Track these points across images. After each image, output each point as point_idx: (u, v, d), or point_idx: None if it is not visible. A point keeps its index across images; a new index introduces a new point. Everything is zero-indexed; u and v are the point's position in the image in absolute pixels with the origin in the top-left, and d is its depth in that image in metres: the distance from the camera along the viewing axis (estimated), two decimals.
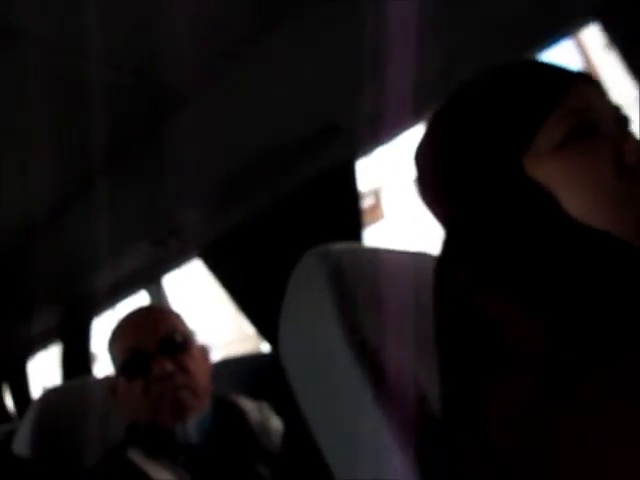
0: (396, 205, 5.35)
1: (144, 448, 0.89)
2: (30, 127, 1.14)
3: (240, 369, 1.41)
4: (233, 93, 1.30)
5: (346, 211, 1.46)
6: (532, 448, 0.39)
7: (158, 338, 0.94)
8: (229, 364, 1.40)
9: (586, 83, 0.51)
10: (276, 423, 1.03)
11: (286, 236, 1.54)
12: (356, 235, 1.45)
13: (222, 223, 1.63)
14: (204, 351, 1.02)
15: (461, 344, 0.48)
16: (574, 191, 0.47)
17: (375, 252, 0.70)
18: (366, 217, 1.52)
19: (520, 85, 0.51)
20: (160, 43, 1.07)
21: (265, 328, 1.65)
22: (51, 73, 1.02)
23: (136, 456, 0.87)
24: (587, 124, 0.48)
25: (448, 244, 0.54)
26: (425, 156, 0.57)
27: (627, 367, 0.37)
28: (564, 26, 1.11)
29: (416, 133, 1.40)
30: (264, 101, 1.28)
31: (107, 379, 1.06)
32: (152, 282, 1.96)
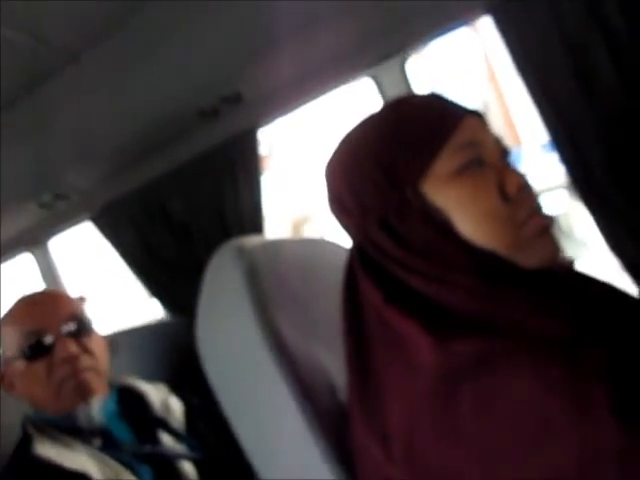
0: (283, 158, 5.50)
1: (51, 438, 0.87)
2: None
3: (141, 338, 1.39)
4: (129, 56, 1.24)
5: (247, 179, 1.46)
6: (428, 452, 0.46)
7: (60, 320, 0.92)
8: (128, 334, 1.38)
9: (475, 117, 0.58)
10: (175, 402, 1.05)
11: (184, 204, 1.52)
12: (256, 205, 1.47)
13: (116, 188, 1.57)
14: (101, 335, 1.01)
15: (370, 353, 0.54)
16: (465, 215, 0.54)
17: (285, 244, 0.73)
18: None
19: (419, 118, 0.56)
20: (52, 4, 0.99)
21: (164, 295, 1.64)
22: None
23: (45, 450, 0.84)
24: (476, 157, 0.55)
25: (358, 257, 0.59)
26: (335, 174, 0.61)
27: (506, 378, 0.44)
28: (459, 16, 1.17)
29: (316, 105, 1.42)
30: (160, 68, 1.23)
31: None
32: (38, 244, 1.86)
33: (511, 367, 0.45)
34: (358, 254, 0.59)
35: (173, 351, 1.42)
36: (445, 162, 0.55)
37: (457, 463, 0.45)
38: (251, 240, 0.68)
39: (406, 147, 0.55)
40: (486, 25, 1.19)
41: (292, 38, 1.20)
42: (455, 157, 0.55)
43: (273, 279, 0.64)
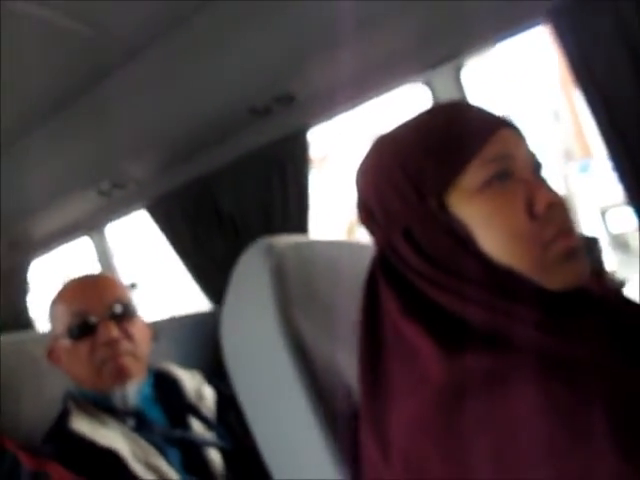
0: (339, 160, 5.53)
1: (88, 414, 0.92)
2: None
3: (182, 327, 1.44)
4: (187, 54, 1.28)
5: (296, 179, 1.49)
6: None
7: (106, 304, 0.97)
8: (171, 322, 1.43)
9: (508, 129, 0.56)
10: (208, 390, 1.08)
11: (233, 200, 1.56)
12: (303, 206, 1.49)
13: (170, 180, 1.62)
14: (145, 322, 1.05)
15: (382, 360, 0.54)
16: (488, 230, 0.53)
17: (317, 245, 0.74)
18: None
19: (450, 128, 0.56)
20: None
21: (209, 287, 1.68)
22: None
23: (81, 425, 0.89)
24: (505, 171, 0.54)
25: (380, 265, 0.59)
26: (364, 180, 0.61)
27: (510, 397, 0.44)
28: (520, 20, 1.14)
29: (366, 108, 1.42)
30: (217, 66, 1.27)
31: (43, 337, 1.06)
32: (95, 230, 1.95)
33: (516, 386, 0.44)
34: (380, 261, 0.59)
35: (211, 341, 1.46)
36: (472, 175, 0.54)
37: (456, 478, 0.44)
38: (281, 240, 0.70)
39: (434, 158, 0.55)
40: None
41: (346, 39, 1.21)
42: (483, 170, 0.53)
43: (300, 279, 0.65)
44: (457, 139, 0.55)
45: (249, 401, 0.63)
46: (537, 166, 0.57)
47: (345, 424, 0.58)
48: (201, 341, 1.43)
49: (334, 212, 5.02)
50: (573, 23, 1.06)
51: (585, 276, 0.54)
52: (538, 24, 1.13)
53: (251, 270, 0.65)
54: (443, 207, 0.55)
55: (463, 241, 0.54)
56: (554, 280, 0.52)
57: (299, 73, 1.29)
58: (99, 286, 1.00)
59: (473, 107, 0.58)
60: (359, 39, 1.21)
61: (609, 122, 1.07)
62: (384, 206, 0.58)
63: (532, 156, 0.57)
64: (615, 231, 5.03)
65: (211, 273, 1.66)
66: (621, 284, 0.70)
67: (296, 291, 0.63)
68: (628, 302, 0.60)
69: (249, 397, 0.63)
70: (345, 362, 0.64)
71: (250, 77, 1.29)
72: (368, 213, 0.60)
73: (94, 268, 2.00)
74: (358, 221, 0.63)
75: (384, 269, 0.58)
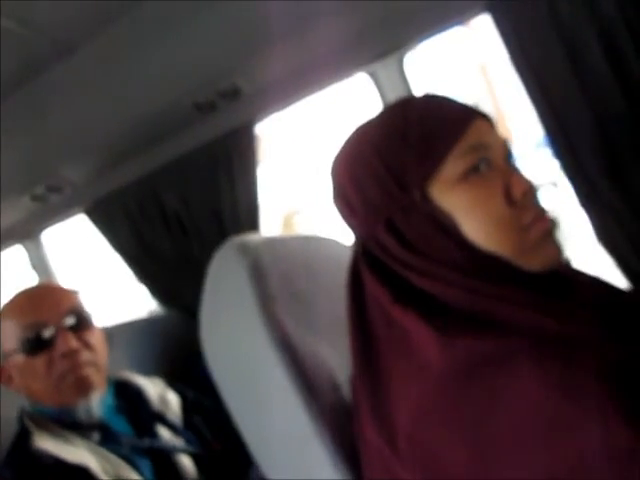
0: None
1: (49, 432, 0.87)
2: None
3: (134, 333, 1.39)
4: (125, 49, 1.23)
5: (244, 173, 1.46)
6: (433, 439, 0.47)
7: (61, 314, 0.92)
8: (122, 328, 1.38)
9: (481, 119, 0.58)
10: (172, 396, 1.05)
11: (179, 198, 1.52)
12: (252, 199, 1.47)
13: (111, 181, 1.56)
14: (101, 330, 1.00)
15: (377, 351, 0.55)
16: (471, 219, 0.55)
17: (289, 242, 0.74)
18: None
19: (427, 120, 0.57)
20: None
21: (158, 289, 1.63)
22: None
23: (45, 443, 0.84)
24: (483, 160, 0.56)
25: (363, 255, 0.60)
26: (341, 170, 0.61)
27: (512, 377, 0.46)
28: (458, 13, 1.17)
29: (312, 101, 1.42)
30: (157, 61, 1.23)
31: None
32: (30, 237, 1.84)
33: (517, 367, 0.46)
34: (363, 252, 0.60)
35: (166, 345, 1.42)
36: (452, 165, 0.55)
37: (462, 460, 0.46)
38: (253, 237, 0.69)
39: (414, 150, 0.55)
40: (480, 22, 1.20)
41: (290, 33, 1.20)
42: (462, 160, 0.55)
43: (276, 276, 0.64)
44: (435, 131, 0.56)
45: (235, 401, 0.62)
46: (509, 153, 0.59)
47: (335, 420, 0.58)
48: (154, 345, 1.39)
49: (271, 204, 5.01)
50: (510, 12, 1.11)
51: (561, 256, 0.56)
52: (477, 15, 1.16)
53: (227, 269, 0.64)
54: (426, 198, 0.56)
55: (447, 230, 0.55)
56: (534, 262, 0.55)
57: (244, 67, 1.27)
58: (51, 296, 0.95)
59: (446, 99, 0.60)
60: (304, 32, 1.20)
61: (545, 102, 1.12)
62: (364, 198, 0.58)
63: (504, 144, 0.59)
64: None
65: (159, 275, 1.62)
66: (568, 261, 0.74)
67: (275, 287, 0.63)
68: (593, 279, 0.64)
69: (235, 397, 0.62)
70: (327, 355, 0.64)
71: (193, 72, 1.25)
72: (346, 204, 0.61)
73: (29, 278, 1.89)
74: (336, 210, 0.63)
75: (367, 259, 0.59)
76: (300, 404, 0.57)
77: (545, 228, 0.56)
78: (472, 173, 0.55)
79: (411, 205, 0.56)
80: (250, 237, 0.69)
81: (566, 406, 0.43)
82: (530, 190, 0.56)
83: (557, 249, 0.56)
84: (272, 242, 0.69)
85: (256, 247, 0.66)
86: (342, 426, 0.58)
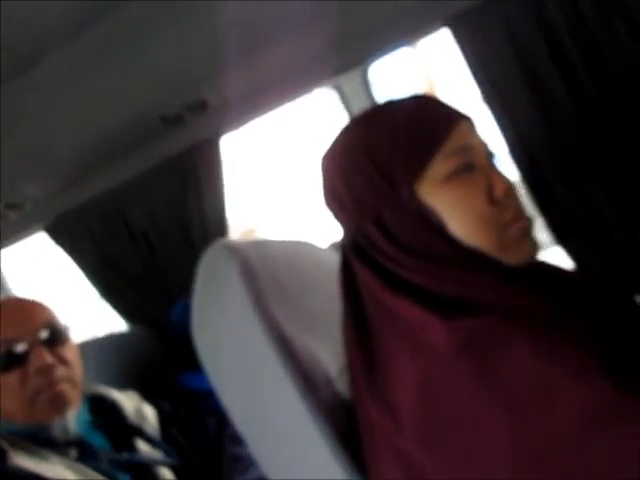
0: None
1: (24, 450, 0.83)
2: None
3: (102, 348, 1.36)
4: (87, 62, 1.22)
5: (210, 186, 1.47)
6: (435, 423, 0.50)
7: (35, 328, 0.89)
8: (91, 344, 1.34)
9: (464, 121, 0.62)
10: (148, 409, 1.04)
11: (144, 212, 1.50)
12: (219, 212, 1.47)
13: (73, 196, 1.53)
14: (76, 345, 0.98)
15: (374, 338, 0.57)
16: (457, 217, 0.58)
17: (273, 244, 0.75)
18: None
19: (415, 121, 0.60)
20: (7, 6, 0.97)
21: (123, 306, 1.61)
22: None
23: (22, 460, 0.80)
24: (468, 163, 0.60)
25: (352, 249, 0.62)
26: (331, 166, 0.64)
27: (511, 351, 0.49)
28: (419, 28, 1.23)
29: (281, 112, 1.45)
30: (122, 74, 1.22)
31: None
32: None
33: (516, 341, 0.49)
34: (352, 246, 0.62)
35: (136, 361, 1.40)
36: (440, 165, 0.58)
37: (471, 429, 0.48)
38: (238, 241, 0.70)
39: (403, 149, 0.58)
40: (431, 40, 1.27)
41: (257, 47, 1.22)
42: (449, 161, 0.58)
43: (266, 276, 0.65)
44: (423, 130, 0.59)
45: (235, 403, 0.62)
46: (490, 155, 0.63)
47: (333, 413, 0.60)
48: (124, 361, 1.36)
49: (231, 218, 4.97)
50: (468, 27, 1.17)
51: (537, 252, 0.60)
52: (437, 29, 1.22)
53: (217, 272, 0.64)
54: (414, 197, 0.58)
55: (435, 227, 0.58)
56: (513, 257, 0.59)
57: (210, 79, 1.28)
58: (24, 309, 0.92)
59: (433, 100, 0.63)
60: (270, 45, 1.23)
61: (501, 109, 1.19)
62: (354, 195, 0.60)
63: (485, 145, 0.63)
64: None
65: (125, 292, 1.59)
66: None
67: (266, 287, 0.64)
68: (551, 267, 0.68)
69: (235, 398, 0.62)
70: (320, 351, 0.66)
71: (160, 85, 1.25)
72: (335, 199, 0.63)
73: None
74: (325, 205, 0.65)
75: (357, 252, 0.61)
76: (298, 398, 0.58)
77: (523, 227, 0.60)
78: (457, 173, 0.58)
79: (400, 203, 0.59)
80: (234, 241, 0.70)
81: (552, 369, 0.47)
82: (510, 190, 0.60)
83: (533, 246, 0.60)
84: (257, 244, 0.71)
85: (244, 247, 0.67)
86: (338, 419, 0.59)
